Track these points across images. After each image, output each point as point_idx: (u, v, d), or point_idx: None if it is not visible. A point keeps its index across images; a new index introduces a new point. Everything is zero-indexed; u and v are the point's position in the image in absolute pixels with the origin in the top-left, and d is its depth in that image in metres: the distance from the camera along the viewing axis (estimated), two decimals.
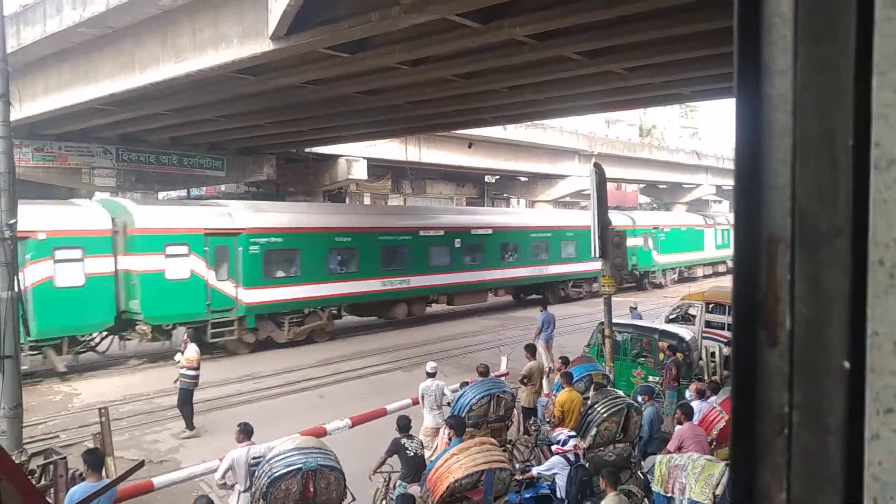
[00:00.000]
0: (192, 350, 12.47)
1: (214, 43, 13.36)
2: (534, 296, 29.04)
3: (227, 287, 18.70)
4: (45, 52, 17.00)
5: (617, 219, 31.49)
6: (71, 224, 16.67)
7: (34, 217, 15.43)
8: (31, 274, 15.58)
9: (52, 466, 7.92)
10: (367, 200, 39.20)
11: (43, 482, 7.71)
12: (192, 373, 12.26)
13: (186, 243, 17.89)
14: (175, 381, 12.57)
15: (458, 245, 25.53)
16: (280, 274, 20.08)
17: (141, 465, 7.74)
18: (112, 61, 15.87)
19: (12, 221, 8.79)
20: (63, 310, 16.05)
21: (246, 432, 7.59)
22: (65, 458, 7.98)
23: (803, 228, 0.66)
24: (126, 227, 17.32)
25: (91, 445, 7.95)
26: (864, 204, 0.61)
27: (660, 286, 36.35)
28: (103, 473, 7.56)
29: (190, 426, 12.24)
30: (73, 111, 18.67)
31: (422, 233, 24.41)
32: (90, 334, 17.26)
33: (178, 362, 12.59)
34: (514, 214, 32.59)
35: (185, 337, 13.37)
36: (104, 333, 17.52)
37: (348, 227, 22.53)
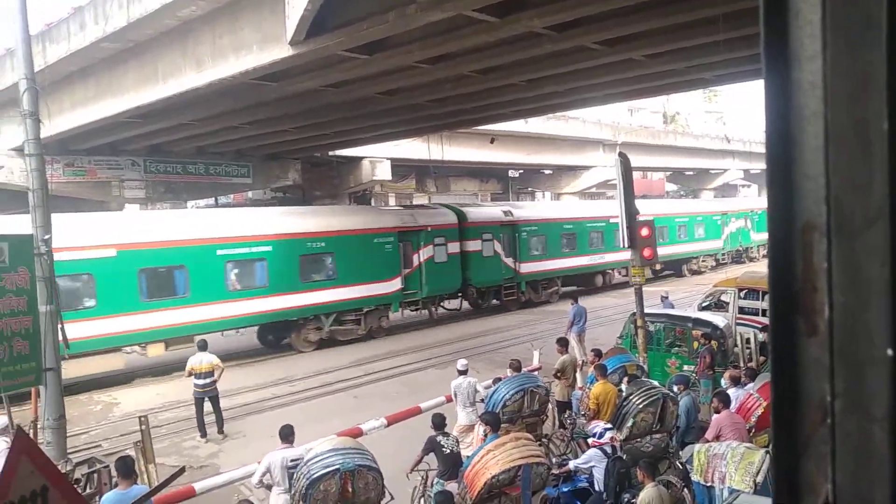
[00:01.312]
0: (192, 360, 12.58)
1: (234, 50, 13.48)
2: (667, 272, 35.75)
3: (510, 262, 26.51)
4: (71, 69, 17.28)
5: (727, 204, 42.52)
6: (439, 220, 24.37)
7: (423, 216, 23.94)
8: (423, 254, 23.30)
9: (95, 475, 8.09)
10: (391, 201, 39.34)
11: (88, 490, 7.87)
12: (197, 381, 12.37)
13: (491, 232, 25.78)
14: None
15: None
16: (536, 253, 27.64)
17: (182, 471, 7.84)
18: (135, 74, 16.09)
19: (47, 237, 8.95)
20: (439, 277, 23.74)
21: (282, 435, 7.69)
22: (107, 466, 8.14)
23: (839, 216, 0.65)
24: (461, 222, 24.90)
25: (132, 453, 8.09)
26: None
27: (753, 259, 41.04)
28: (145, 479, 7.71)
29: (202, 433, 12.41)
30: (100, 125, 18.98)
31: (611, 220, 29.38)
32: (446, 295, 24.90)
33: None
34: (664, 204, 40.16)
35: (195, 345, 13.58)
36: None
37: (571, 216, 30.44)
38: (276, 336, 20.89)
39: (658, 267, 32.72)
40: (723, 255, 39.11)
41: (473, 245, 25.00)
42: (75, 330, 13.15)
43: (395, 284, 22.26)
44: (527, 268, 27.01)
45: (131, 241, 16.93)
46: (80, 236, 15.83)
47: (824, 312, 0.66)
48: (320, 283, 20.61)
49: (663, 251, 30.16)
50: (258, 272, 19.32)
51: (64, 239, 13.45)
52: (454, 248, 24.26)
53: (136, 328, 16.60)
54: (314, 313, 20.22)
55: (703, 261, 37.39)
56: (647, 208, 31.77)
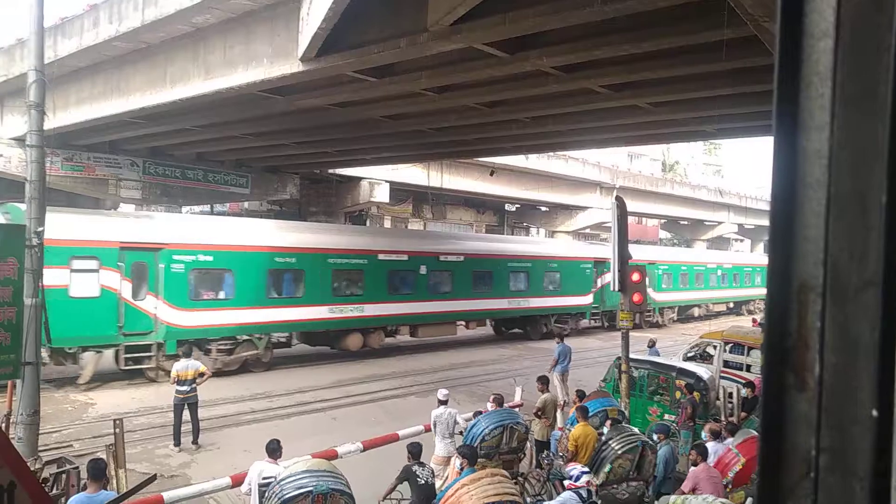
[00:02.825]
0: (177, 366, 12.55)
1: (245, 61, 13.59)
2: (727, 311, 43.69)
3: (651, 291, 30.73)
4: (80, 64, 17.36)
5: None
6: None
7: (606, 251, 26.99)
8: (604, 279, 29.28)
9: (64, 475, 7.97)
10: (387, 223, 39.40)
11: (55, 490, 7.75)
12: (180, 388, 12.30)
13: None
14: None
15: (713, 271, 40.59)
16: (665, 286, 35.22)
17: (153, 478, 7.76)
18: (144, 75, 16.18)
19: (40, 229, 8.94)
20: (611, 297, 27.84)
21: (268, 449, 7.66)
22: (77, 467, 8.03)
23: (834, 279, 0.68)
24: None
25: (103, 456, 7.98)
26: (894, 259, 0.63)
27: None
28: (113, 484, 7.61)
29: (176, 441, 12.25)
30: (103, 123, 19.02)
31: (709, 265, 40.24)
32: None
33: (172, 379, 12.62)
34: (739, 256, 51.22)
35: (180, 352, 13.57)
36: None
37: (685, 261, 38.62)
38: (507, 328, 28.81)
39: (731, 306, 43.16)
40: None
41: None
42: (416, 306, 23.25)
43: (588, 299, 30.11)
44: (658, 297, 34.50)
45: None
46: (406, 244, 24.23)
47: (815, 370, 0.69)
48: (552, 292, 28.48)
49: (733, 293, 42.78)
50: (523, 280, 27.27)
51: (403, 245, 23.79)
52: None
53: (459, 310, 24.84)
54: (546, 313, 28.31)
55: (755, 304, 44.39)
56: (731, 258, 45.47)
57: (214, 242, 18.41)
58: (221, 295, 18.54)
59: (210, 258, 18.16)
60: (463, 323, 25.83)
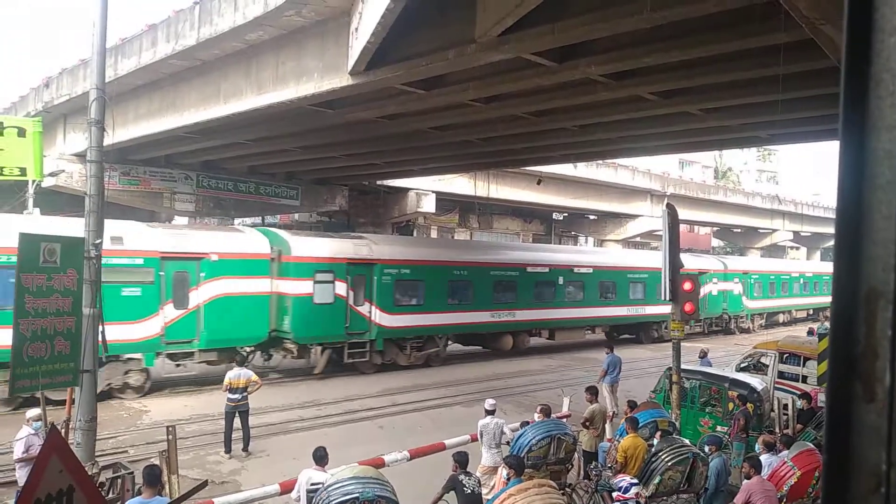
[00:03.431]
0: (230, 374, 12.81)
1: (296, 76, 13.81)
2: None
3: (744, 299, 36.77)
4: (138, 82, 17.91)
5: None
6: (714, 266, 34.25)
7: (704, 262, 33.51)
8: (705, 289, 30.96)
9: (119, 480, 8.18)
10: (433, 234, 39.52)
11: (111, 495, 7.95)
12: (231, 396, 12.54)
13: (738, 277, 36.37)
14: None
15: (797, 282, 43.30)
16: (756, 294, 38.02)
17: (204, 484, 7.89)
18: (198, 92, 16.60)
19: (98, 241, 9.21)
20: (711, 305, 33.16)
21: (315, 457, 7.75)
22: (132, 472, 8.23)
23: None
24: (725, 268, 35.08)
25: (156, 462, 8.16)
26: None
27: None
28: (167, 490, 7.77)
29: (227, 448, 12.47)
30: (160, 138, 19.57)
31: (793, 273, 42.95)
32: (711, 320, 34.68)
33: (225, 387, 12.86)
34: (818, 264, 52.67)
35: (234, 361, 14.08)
36: None
37: (772, 270, 41.36)
38: (619, 333, 30.79)
39: (811, 312, 44.44)
40: None
41: (730, 285, 34.98)
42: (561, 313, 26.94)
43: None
44: (750, 304, 37.10)
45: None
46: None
47: (885, 380, 0.66)
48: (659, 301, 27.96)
49: (814, 300, 43.86)
50: (640, 290, 29.64)
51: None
52: (721, 286, 34.25)
53: (589, 316, 28.16)
54: (658, 320, 30.03)
55: (816, 311, 45.53)
56: (811, 267, 47.08)
57: (411, 258, 22.34)
58: (414, 301, 22.27)
59: (408, 271, 21.97)
60: (588, 328, 29.14)
